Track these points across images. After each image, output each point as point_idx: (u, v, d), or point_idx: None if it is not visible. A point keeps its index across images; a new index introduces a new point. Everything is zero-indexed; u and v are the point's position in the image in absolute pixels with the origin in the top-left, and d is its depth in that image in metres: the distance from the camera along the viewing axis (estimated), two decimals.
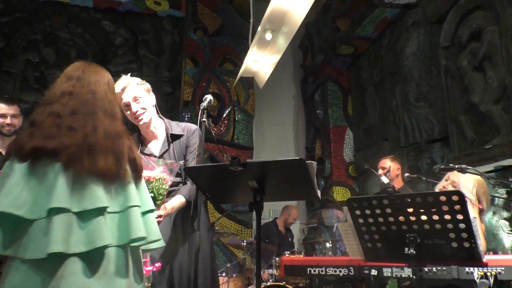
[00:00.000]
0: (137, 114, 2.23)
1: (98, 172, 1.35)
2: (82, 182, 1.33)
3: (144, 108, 2.26)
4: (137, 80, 2.31)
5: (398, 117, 5.23)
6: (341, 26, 5.70)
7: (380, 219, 1.91)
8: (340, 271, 2.16)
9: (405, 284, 2.60)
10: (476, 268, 1.85)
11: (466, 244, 1.79)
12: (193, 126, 2.24)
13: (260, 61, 3.69)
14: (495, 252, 2.66)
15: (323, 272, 2.21)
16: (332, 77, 6.62)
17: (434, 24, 4.69)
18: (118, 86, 2.19)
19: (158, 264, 2.03)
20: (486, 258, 1.86)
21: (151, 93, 2.36)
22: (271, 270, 4.00)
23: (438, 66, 4.49)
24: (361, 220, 1.96)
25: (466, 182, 2.35)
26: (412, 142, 4.92)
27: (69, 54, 5.90)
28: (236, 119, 5.99)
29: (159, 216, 2.01)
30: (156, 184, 1.99)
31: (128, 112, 2.24)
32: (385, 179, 3.55)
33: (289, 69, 7.44)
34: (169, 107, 6.13)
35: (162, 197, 2.03)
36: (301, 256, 4.07)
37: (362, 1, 5.31)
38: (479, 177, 2.34)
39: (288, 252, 4.08)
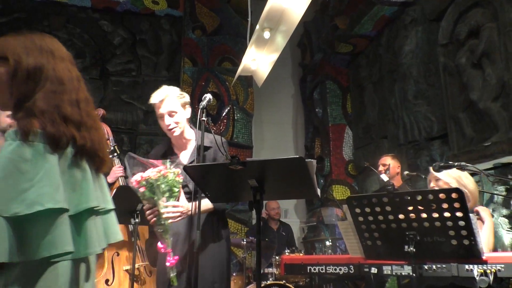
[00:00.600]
0: (169, 127, 2.29)
1: (107, 170, 1.35)
2: (99, 180, 1.31)
3: (177, 123, 2.31)
4: (177, 92, 2.38)
5: (397, 115, 5.23)
6: (339, 24, 5.70)
7: (380, 217, 1.91)
8: (340, 269, 2.16)
9: (404, 282, 2.60)
10: (475, 266, 1.85)
11: (466, 242, 1.79)
12: (220, 139, 2.26)
13: (259, 59, 3.68)
14: (495, 250, 2.67)
15: (323, 271, 2.22)
16: (331, 75, 6.63)
17: (432, 21, 4.69)
18: (156, 96, 2.30)
19: (176, 257, 2.08)
20: (486, 255, 1.86)
21: (187, 107, 2.42)
22: (271, 269, 4.01)
23: (437, 64, 4.50)
24: (361, 218, 1.96)
25: (448, 179, 2.35)
26: (411, 140, 4.93)
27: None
28: (235, 118, 5.98)
29: (178, 212, 2.07)
30: (171, 178, 2.04)
31: (162, 123, 2.32)
32: (384, 177, 3.56)
33: (288, 67, 7.44)
34: None
35: (177, 189, 2.08)
36: (301, 254, 4.07)
37: None
38: (461, 174, 2.34)
39: (288, 251, 4.09)
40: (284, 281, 3.72)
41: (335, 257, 2.30)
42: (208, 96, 2.25)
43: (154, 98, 2.32)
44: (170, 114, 2.30)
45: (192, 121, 5.70)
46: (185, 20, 6.14)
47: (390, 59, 5.44)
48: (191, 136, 2.44)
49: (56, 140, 1.14)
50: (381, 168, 3.85)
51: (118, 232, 1.38)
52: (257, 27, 3.26)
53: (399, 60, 5.15)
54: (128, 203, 2.68)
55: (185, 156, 2.40)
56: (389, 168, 3.54)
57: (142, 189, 2.05)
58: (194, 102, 5.79)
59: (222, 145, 2.06)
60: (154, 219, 2.08)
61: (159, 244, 2.10)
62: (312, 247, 6.00)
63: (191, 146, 2.41)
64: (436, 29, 4.51)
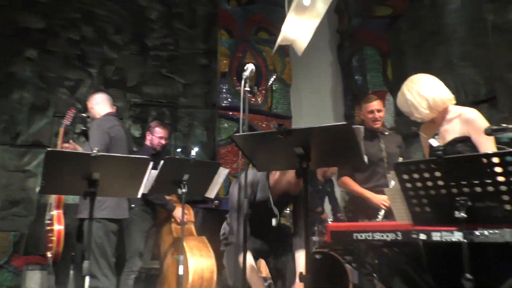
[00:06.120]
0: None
1: None
2: None
3: None
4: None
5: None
6: None
7: (429, 183, 1.88)
8: (387, 236, 2.15)
9: None
10: None
11: None
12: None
13: (298, 27, 3.61)
14: None
15: (370, 238, 2.22)
16: (369, 41, 6.42)
17: None
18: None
19: None
20: None
21: None
22: (314, 238, 4.06)
23: (484, 22, 4.25)
24: (409, 185, 1.93)
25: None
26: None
27: (107, 31, 6.00)
28: (274, 88, 5.96)
29: None
30: None
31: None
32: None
33: (325, 34, 7.24)
34: (205, 79, 6.17)
35: None
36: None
37: None
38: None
39: (331, 220, 4.12)
40: (327, 249, 3.76)
41: (382, 223, 2.29)
42: (251, 66, 2.26)
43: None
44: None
45: (230, 92, 5.75)
46: None
47: (433, 20, 5.19)
48: None
49: None
50: (377, 114, 3.60)
51: None
52: None
53: (443, 21, 4.92)
54: (175, 174, 2.77)
55: None
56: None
57: None
58: (233, 74, 5.81)
59: None
60: None
61: None
62: (353, 216, 5.98)
63: None
64: None
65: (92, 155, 1.98)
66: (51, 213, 3.67)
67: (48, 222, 3.70)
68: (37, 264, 4.35)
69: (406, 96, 2.57)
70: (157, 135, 3.96)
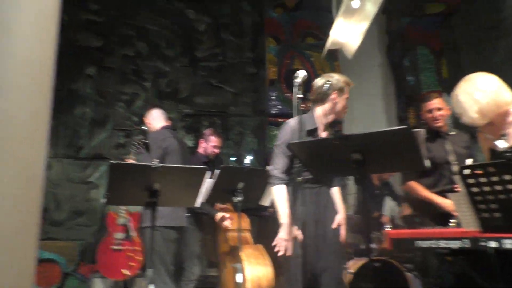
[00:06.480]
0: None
1: None
2: None
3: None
4: None
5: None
6: None
7: (498, 187, 1.77)
8: (453, 244, 2.05)
9: None
10: None
11: None
12: None
13: (347, 31, 3.57)
14: None
15: (434, 245, 2.11)
16: (421, 40, 6.20)
17: None
18: None
19: None
20: None
21: None
22: (371, 244, 3.94)
23: None
24: (475, 189, 1.84)
25: None
26: None
27: (159, 45, 6.26)
28: None
29: None
30: None
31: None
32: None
33: (373, 36, 7.07)
34: (254, 87, 6.24)
35: None
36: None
37: None
38: None
39: (389, 226, 3.99)
40: (387, 257, 3.64)
41: (447, 230, 2.18)
42: (302, 72, 2.25)
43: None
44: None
45: (279, 99, 5.76)
46: None
47: (490, 14, 4.92)
48: None
49: None
50: (436, 113, 3.36)
51: None
52: None
53: (502, 14, 4.65)
54: (230, 183, 2.81)
55: None
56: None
57: None
58: (281, 81, 5.82)
59: None
60: None
61: None
62: (411, 222, 5.77)
63: None
64: None
65: (152, 166, 2.05)
66: (131, 234, 3.92)
67: (120, 241, 3.96)
68: None
69: (458, 97, 2.40)
70: (211, 144, 4.04)
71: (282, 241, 2.23)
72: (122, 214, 4.10)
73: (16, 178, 2.23)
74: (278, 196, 2.27)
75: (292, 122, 2.39)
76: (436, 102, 3.21)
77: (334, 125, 2.53)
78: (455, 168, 3.03)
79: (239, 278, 2.78)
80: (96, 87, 6.00)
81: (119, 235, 4.01)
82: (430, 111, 3.19)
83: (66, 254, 5.19)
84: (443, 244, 2.09)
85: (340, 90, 2.50)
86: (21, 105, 2.35)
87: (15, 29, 2.36)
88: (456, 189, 2.77)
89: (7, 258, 2.12)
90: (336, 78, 2.55)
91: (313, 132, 2.35)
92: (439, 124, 3.17)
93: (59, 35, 2.62)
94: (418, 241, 2.19)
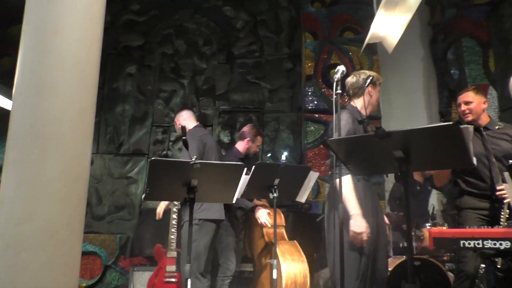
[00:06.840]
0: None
1: None
2: None
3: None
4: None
5: None
6: None
7: None
8: (500, 244, 1.95)
9: None
10: None
11: None
12: None
13: (388, 24, 3.46)
14: None
15: (480, 245, 2.03)
16: (467, 31, 5.92)
17: None
18: None
19: None
20: None
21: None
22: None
23: None
24: None
25: None
26: None
27: (197, 43, 6.35)
28: None
29: None
30: None
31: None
32: None
33: (415, 29, 6.84)
34: (290, 83, 6.20)
35: None
36: (444, 228, 3.81)
37: None
38: None
39: (429, 224, 3.86)
40: (427, 256, 3.53)
41: (493, 230, 2.08)
42: (341, 68, 2.21)
43: None
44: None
45: (316, 94, 5.69)
46: None
47: None
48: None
49: None
50: (463, 107, 3.10)
51: None
52: None
53: None
54: (266, 179, 2.80)
55: None
56: None
57: None
58: (318, 76, 5.75)
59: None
60: None
61: None
62: (452, 220, 5.57)
63: None
64: None
65: (191, 163, 2.07)
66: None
67: (172, 273, 4.10)
68: (143, 265, 4.71)
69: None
70: (258, 143, 4.05)
71: (358, 234, 2.23)
72: (172, 247, 4.19)
73: (64, 175, 2.33)
74: (346, 186, 2.24)
75: (345, 114, 2.43)
76: (464, 95, 3.05)
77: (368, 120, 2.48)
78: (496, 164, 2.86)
79: (274, 274, 2.78)
80: (136, 85, 6.18)
81: (171, 267, 4.13)
82: (459, 105, 3.05)
83: (106, 247, 5.38)
84: (489, 244, 2.00)
85: (374, 84, 2.66)
86: (69, 103, 2.45)
87: (63, 31, 2.47)
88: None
89: (56, 251, 2.21)
90: (368, 72, 2.73)
91: (361, 123, 2.40)
92: (469, 119, 3.01)
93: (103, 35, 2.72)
94: (463, 241, 2.11)
